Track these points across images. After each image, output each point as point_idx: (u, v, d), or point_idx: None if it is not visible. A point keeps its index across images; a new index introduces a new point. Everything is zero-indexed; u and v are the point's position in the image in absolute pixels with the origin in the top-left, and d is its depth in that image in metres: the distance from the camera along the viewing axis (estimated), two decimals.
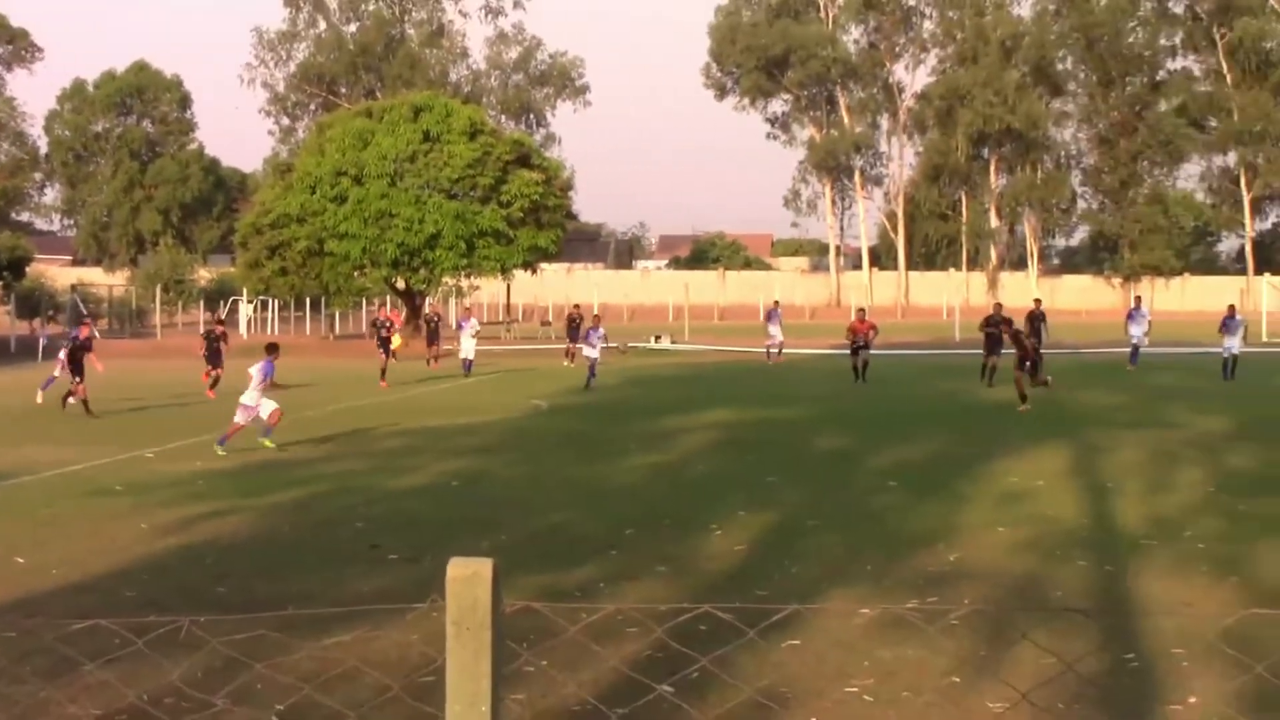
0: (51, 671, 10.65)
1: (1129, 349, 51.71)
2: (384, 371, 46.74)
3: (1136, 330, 51.93)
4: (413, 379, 48.85)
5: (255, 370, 28.27)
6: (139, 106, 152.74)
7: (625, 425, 31.07)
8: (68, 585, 14.54)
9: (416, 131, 77.01)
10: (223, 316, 61.20)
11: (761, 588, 13.87)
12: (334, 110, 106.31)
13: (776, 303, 64.49)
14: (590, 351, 44.82)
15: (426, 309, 71.90)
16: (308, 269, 77.12)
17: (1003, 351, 41.81)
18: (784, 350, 59.49)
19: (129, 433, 30.83)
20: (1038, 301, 51.39)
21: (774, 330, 59.03)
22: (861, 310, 49.50)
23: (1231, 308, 47.97)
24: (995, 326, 42.57)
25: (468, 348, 51.67)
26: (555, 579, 14.32)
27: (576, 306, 56.86)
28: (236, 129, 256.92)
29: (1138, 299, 55.32)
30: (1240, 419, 31.31)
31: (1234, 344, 45.89)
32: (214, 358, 42.69)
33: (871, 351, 46.15)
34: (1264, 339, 70.06)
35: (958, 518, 18.01)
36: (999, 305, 45.58)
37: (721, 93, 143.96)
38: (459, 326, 54.07)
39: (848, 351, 46.22)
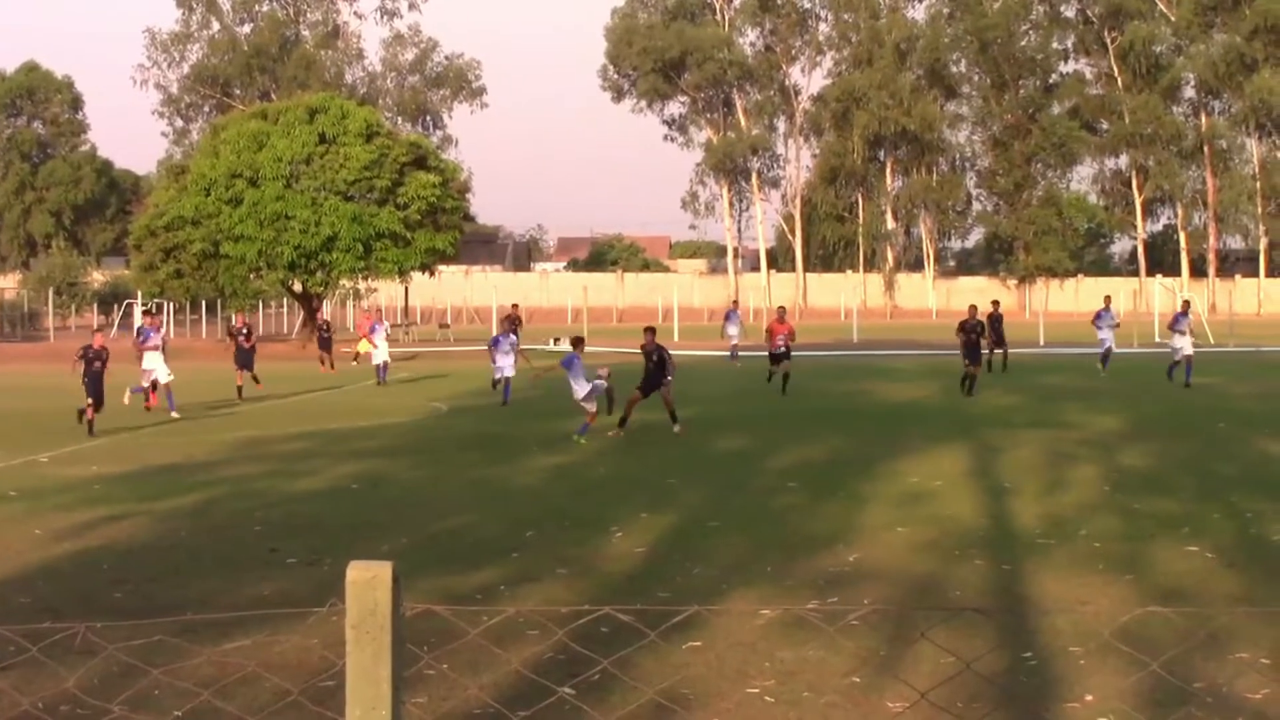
0: None
1: (1099, 352, 48.44)
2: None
3: (1106, 333, 48.56)
4: (315, 385, 48.56)
5: None
6: (29, 107, 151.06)
7: (526, 426, 31.06)
8: None
9: (312, 133, 76.53)
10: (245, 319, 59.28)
11: (663, 589, 13.89)
12: (228, 112, 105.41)
13: (735, 303, 63.59)
14: (503, 362, 39.08)
15: (323, 315, 71.41)
16: (203, 271, 76.43)
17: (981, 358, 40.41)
18: (740, 352, 56.18)
19: (21, 437, 30.45)
20: (995, 304, 49.02)
21: (732, 330, 58.04)
22: (781, 309, 45.07)
23: (1186, 304, 45.66)
24: (974, 332, 39.99)
25: (381, 352, 49.27)
26: (456, 581, 14.28)
27: (515, 306, 54.38)
28: (130, 130, 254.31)
29: (1107, 299, 51.43)
30: (1135, 418, 31.71)
31: (1185, 345, 43.08)
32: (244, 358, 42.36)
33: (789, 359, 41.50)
34: (1155, 339, 70.91)
35: (858, 518, 18.12)
36: (974, 308, 41.65)
37: (619, 95, 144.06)
38: (372, 330, 51.10)
39: (765, 356, 42.66)
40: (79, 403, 32.15)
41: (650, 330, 32.03)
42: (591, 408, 29.02)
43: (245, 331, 43.13)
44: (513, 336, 40.24)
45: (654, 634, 10.71)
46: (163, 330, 39.53)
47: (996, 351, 46.99)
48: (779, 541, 16.51)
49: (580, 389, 29.17)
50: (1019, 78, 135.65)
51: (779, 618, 12.43)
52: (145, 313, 45.34)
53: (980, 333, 40.41)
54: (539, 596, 13.65)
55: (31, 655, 8.63)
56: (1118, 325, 50.67)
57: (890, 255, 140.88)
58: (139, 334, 39.01)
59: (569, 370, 29.43)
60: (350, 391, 44.55)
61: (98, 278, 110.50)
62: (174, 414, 35.19)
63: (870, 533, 17.04)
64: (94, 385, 31.69)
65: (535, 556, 15.78)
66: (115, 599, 13.77)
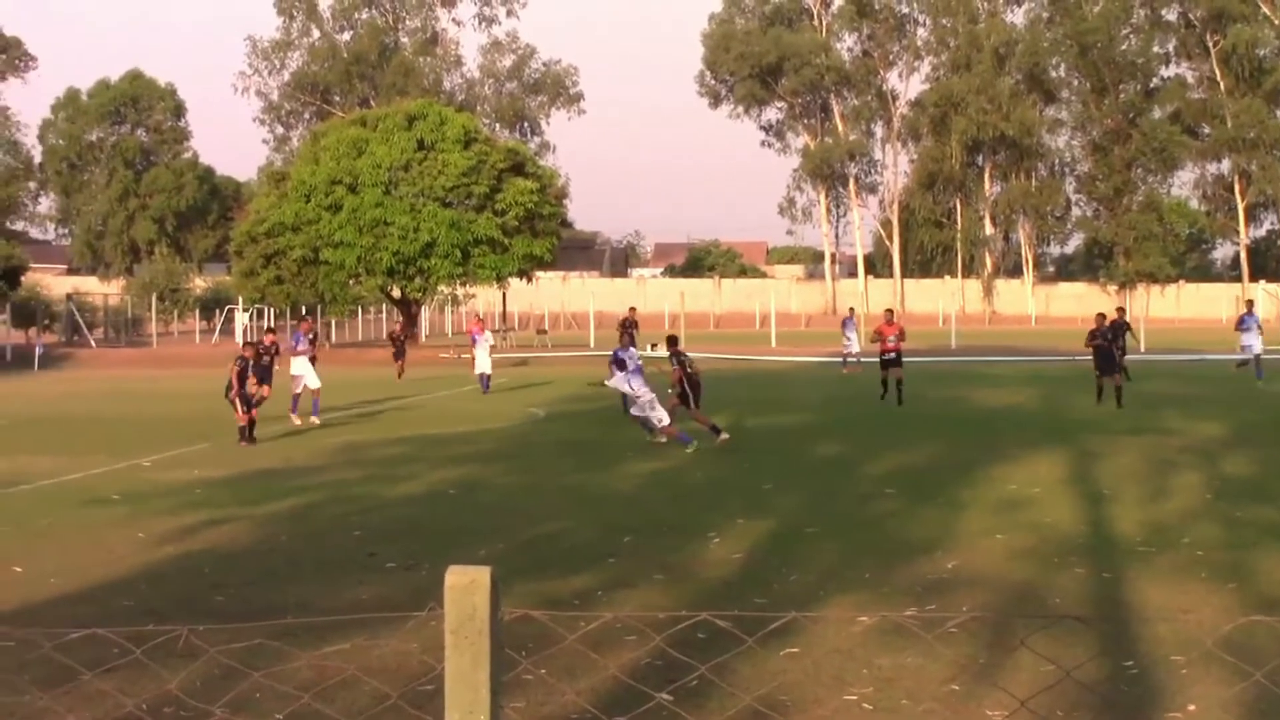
0: (49, 681, 10.63)
1: (1243, 358, 46.53)
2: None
3: (1252, 339, 45.72)
4: (414, 391, 48.82)
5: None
6: (133, 115, 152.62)
7: (623, 432, 31.04)
8: (65, 594, 14.52)
9: (411, 140, 77.01)
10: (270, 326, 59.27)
11: (760, 595, 13.85)
12: (328, 119, 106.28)
13: (852, 310, 63.08)
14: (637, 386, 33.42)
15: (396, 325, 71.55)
16: (303, 277, 77.08)
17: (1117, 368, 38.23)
18: (861, 359, 53.98)
19: (124, 441, 30.80)
20: (1120, 311, 44.53)
21: (850, 336, 57.01)
22: (890, 311, 43.02)
23: (1250, 304, 46.55)
24: (1105, 339, 37.86)
25: (483, 362, 47.38)
26: (553, 587, 14.30)
27: (632, 309, 51.33)
28: (231, 137, 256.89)
29: (1249, 303, 49.67)
30: (1237, 425, 31.32)
31: (1254, 342, 44.15)
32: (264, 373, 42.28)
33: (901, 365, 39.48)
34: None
35: (956, 525, 18.00)
36: (1103, 316, 39.10)
37: (716, 100, 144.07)
38: (473, 340, 49.15)
39: (876, 361, 40.79)
40: (179, 407, 32.46)
41: (672, 339, 32.02)
42: (661, 417, 28.59)
43: (274, 349, 42.95)
44: (633, 349, 36.02)
45: (751, 640, 10.68)
46: (314, 335, 38.74)
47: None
48: (876, 548, 16.43)
49: (633, 389, 28.88)
50: (1119, 82, 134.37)
51: (877, 625, 12.36)
52: (300, 319, 45.13)
53: (1111, 340, 38.40)
54: (636, 602, 13.64)
55: (135, 657, 8.72)
56: (1261, 330, 47.89)
57: (989, 261, 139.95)
58: (292, 339, 38.51)
59: (623, 369, 29.18)
60: (449, 398, 44.73)
61: (199, 284, 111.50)
62: (315, 419, 35.07)
63: (969, 539, 16.92)
64: (264, 375, 32.34)
65: (632, 562, 15.78)
66: (216, 602, 13.90)
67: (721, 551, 16.41)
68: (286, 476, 24.49)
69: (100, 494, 22.16)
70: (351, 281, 78.36)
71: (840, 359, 57.14)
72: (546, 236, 79.12)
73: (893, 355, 39.27)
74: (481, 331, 49.25)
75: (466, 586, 4.37)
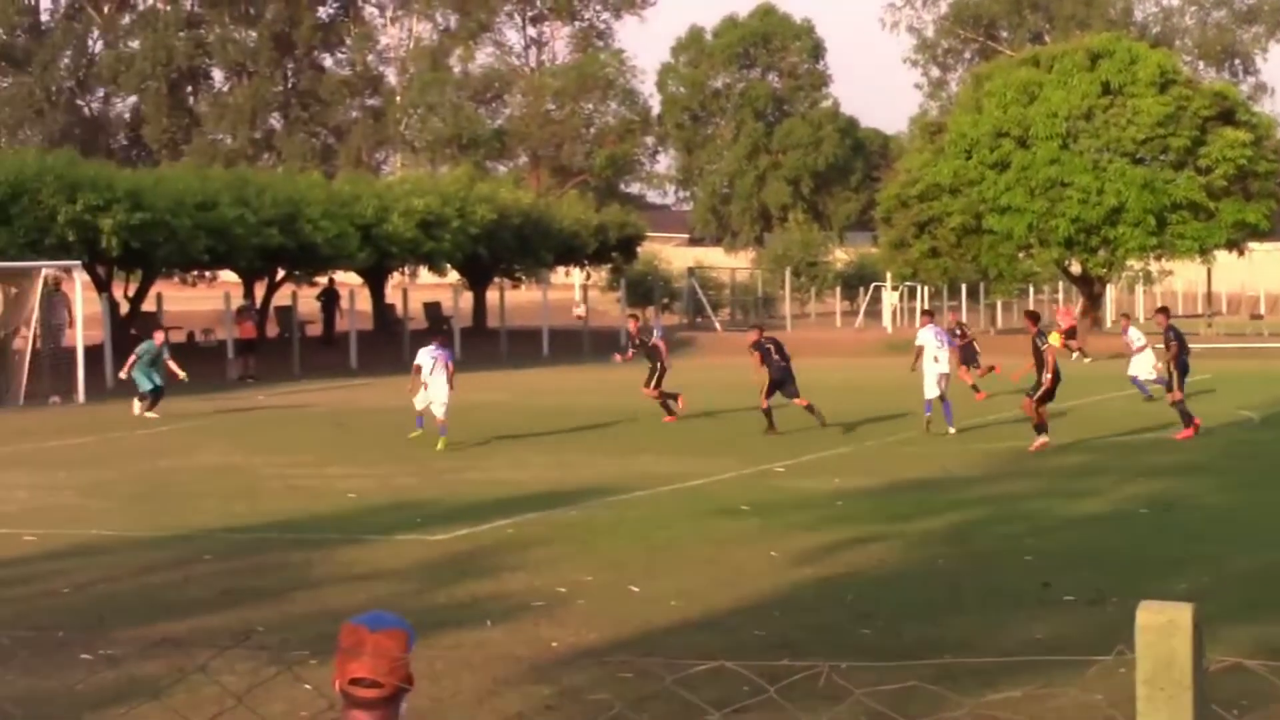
0: (670, 719, 11.15)
1: None
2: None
3: None
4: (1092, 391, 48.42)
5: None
6: (764, 58, 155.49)
7: None
8: (687, 620, 15.17)
9: (1093, 83, 76.12)
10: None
11: None
12: (993, 58, 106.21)
13: None
14: None
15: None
16: (962, 249, 77.18)
17: None
18: None
19: (752, 442, 31.66)
20: None
21: None
22: None
23: None
24: None
25: (1143, 365, 43.28)
26: (1272, 632, 14.05)
27: None
28: (877, 82, 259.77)
29: None
30: None
31: None
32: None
33: None
34: None
35: None
36: None
37: None
38: (1129, 338, 44.89)
39: None
40: (817, 401, 33.07)
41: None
42: None
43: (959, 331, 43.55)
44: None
45: None
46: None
47: None
48: None
49: None
50: None
51: None
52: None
53: None
54: None
55: (768, 697, 9.06)
56: None
57: None
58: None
59: None
60: (1120, 399, 44.11)
61: (840, 256, 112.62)
62: (951, 430, 34.82)
63: None
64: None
65: None
66: (862, 636, 14.25)
67: None
68: (942, 488, 24.74)
69: (727, 503, 22.92)
70: (1021, 254, 78.07)
71: None
72: (1263, 200, 76.88)
73: None
74: (1128, 329, 46.05)
75: (1163, 627, 4.39)
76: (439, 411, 31.16)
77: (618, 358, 40.29)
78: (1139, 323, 54.24)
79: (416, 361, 32.29)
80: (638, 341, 37.52)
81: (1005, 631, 14.29)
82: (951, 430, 33.33)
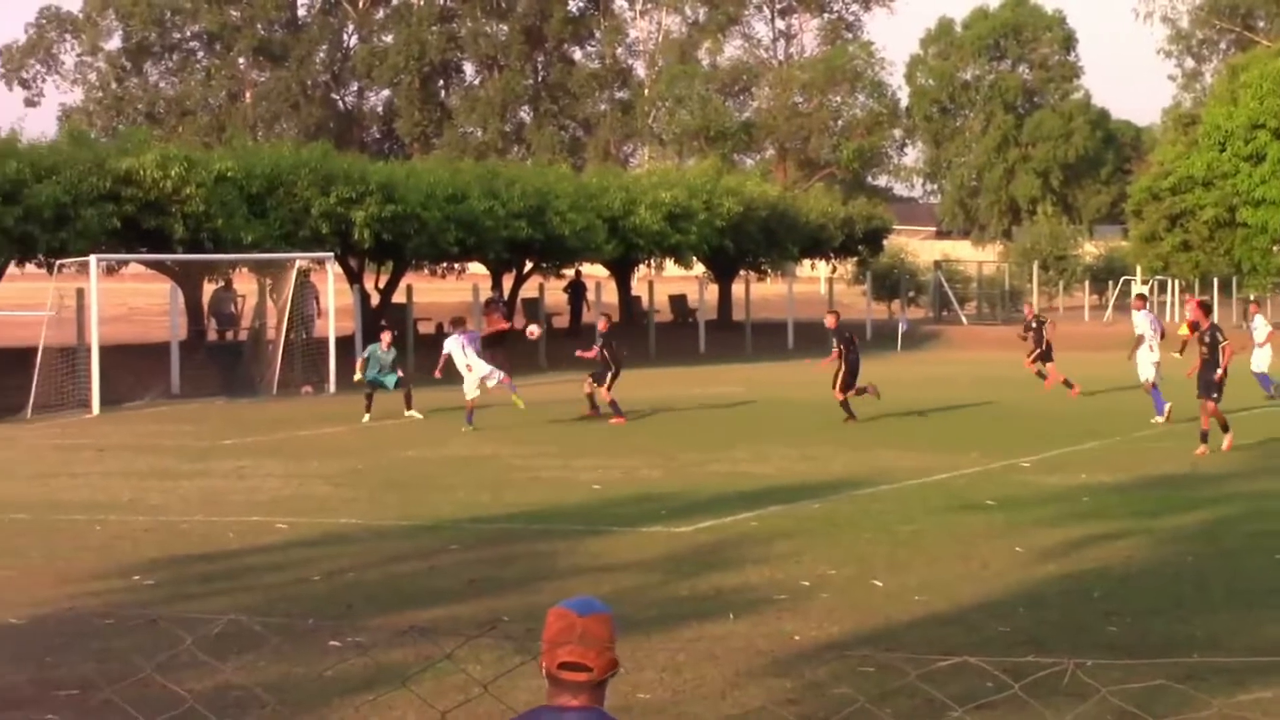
0: (913, 714, 11.11)
1: None
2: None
3: None
4: None
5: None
6: (1015, 49, 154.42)
7: None
8: (930, 615, 15.10)
9: None
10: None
11: None
12: (1249, 49, 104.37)
13: None
14: None
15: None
16: (1216, 243, 76.16)
17: None
18: None
19: (999, 437, 31.46)
20: None
21: None
22: None
23: None
24: None
25: (1264, 361, 40.81)
26: None
27: None
28: (1129, 74, 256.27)
29: None
30: None
31: None
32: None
33: None
34: None
35: None
36: None
37: None
38: (1253, 326, 43.01)
39: None
40: (1063, 399, 32.74)
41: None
42: None
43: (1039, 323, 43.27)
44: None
45: None
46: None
47: None
48: None
49: None
50: None
51: None
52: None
53: None
54: None
55: (1013, 693, 8.99)
56: None
57: None
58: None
59: None
60: None
61: (1090, 250, 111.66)
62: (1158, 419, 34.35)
63: None
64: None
65: None
66: (1108, 633, 14.08)
67: None
68: (1192, 484, 24.41)
69: (972, 498, 22.81)
70: (1276, 248, 76.78)
71: None
72: None
73: None
74: (1253, 318, 44.13)
75: None
76: (492, 383, 33.50)
77: (532, 331, 42.63)
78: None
79: (445, 351, 34.29)
80: (603, 341, 37.13)
81: (1256, 630, 14.06)
82: (1158, 420, 33.26)
